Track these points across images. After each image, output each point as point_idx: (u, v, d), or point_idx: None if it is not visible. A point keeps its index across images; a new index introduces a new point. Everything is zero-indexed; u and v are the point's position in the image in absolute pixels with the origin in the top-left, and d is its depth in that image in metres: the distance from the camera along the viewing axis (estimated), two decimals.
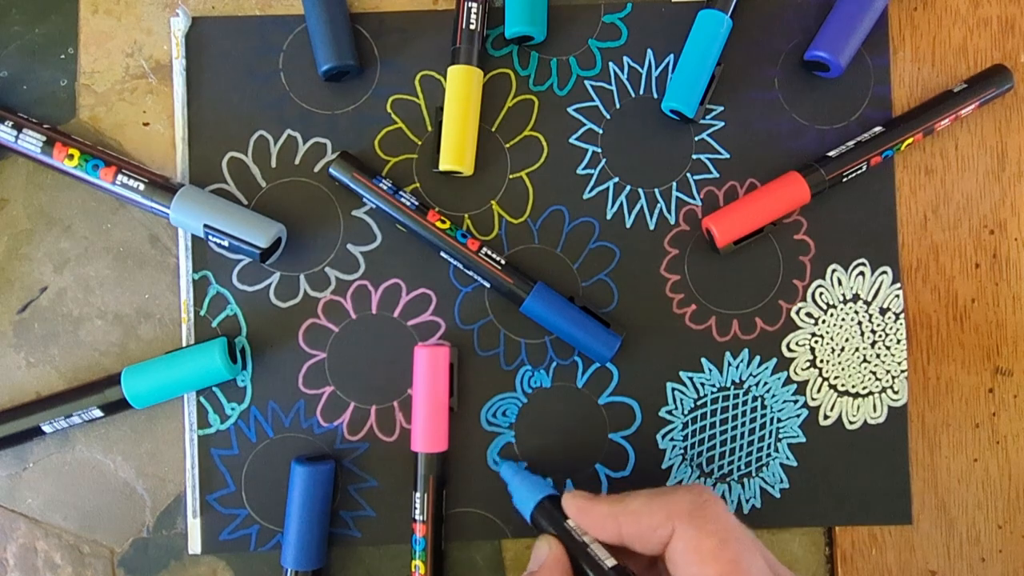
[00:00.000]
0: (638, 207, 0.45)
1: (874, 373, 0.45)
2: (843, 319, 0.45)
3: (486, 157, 0.45)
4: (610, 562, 0.36)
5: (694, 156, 0.46)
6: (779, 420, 0.45)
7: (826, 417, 0.45)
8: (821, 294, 0.45)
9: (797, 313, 0.45)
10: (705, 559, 0.33)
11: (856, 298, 0.45)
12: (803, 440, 0.45)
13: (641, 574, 0.37)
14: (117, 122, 0.45)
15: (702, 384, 0.45)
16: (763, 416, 0.45)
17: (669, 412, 0.45)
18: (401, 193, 0.43)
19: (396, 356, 0.44)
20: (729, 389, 0.45)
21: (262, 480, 0.44)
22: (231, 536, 0.44)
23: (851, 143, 0.44)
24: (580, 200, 0.45)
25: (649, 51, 0.46)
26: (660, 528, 0.35)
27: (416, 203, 0.43)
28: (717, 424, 0.45)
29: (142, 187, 0.42)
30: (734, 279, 0.45)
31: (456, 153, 0.43)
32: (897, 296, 0.45)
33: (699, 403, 0.45)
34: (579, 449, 0.45)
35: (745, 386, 0.45)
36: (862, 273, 0.45)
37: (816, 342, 0.45)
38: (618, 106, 0.46)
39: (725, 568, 0.33)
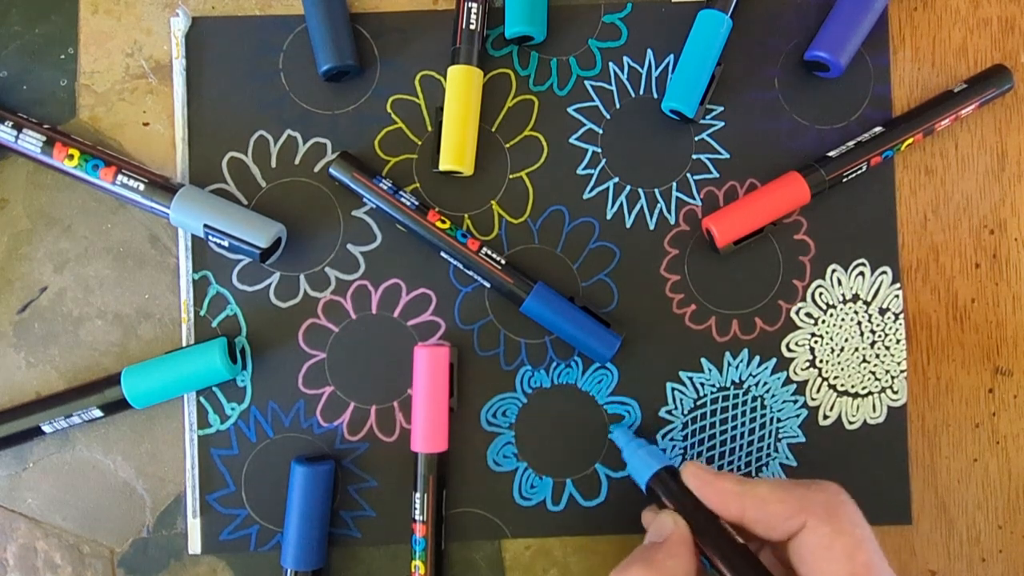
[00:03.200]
0: (638, 207, 0.45)
1: (873, 373, 0.45)
2: (843, 319, 0.45)
3: (486, 157, 0.45)
4: (740, 540, 0.36)
5: (694, 156, 0.46)
6: (779, 420, 0.45)
7: (825, 417, 0.45)
8: (821, 294, 0.45)
9: (797, 313, 0.45)
10: (838, 558, 0.33)
11: (856, 298, 0.45)
12: (803, 440, 0.45)
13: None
14: (117, 122, 0.45)
15: (702, 384, 0.45)
16: (763, 416, 0.45)
17: (669, 412, 0.45)
18: (401, 193, 0.43)
19: (396, 356, 0.44)
20: (729, 389, 0.45)
21: (262, 480, 0.44)
22: (231, 536, 0.44)
23: (851, 143, 0.44)
24: (580, 200, 0.45)
25: (649, 51, 0.46)
26: (790, 519, 0.35)
27: (416, 203, 0.43)
28: (717, 424, 0.45)
29: (142, 187, 0.42)
30: (734, 279, 0.45)
31: (456, 153, 0.43)
32: (897, 296, 0.45)
33: (699, 403, 0.45)
34: (579, 449, 0.45)
35: (745, 386, 0.45)
36: (862, 273, 0.45)
37: (816, 342, 0.45)
38: (618, 106, 0.46)
39: (858, 570, 0.33)
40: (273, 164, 0.45)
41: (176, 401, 0.44)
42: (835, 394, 0.45)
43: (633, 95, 0.46)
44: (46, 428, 0.42)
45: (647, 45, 0.46)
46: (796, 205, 0.44)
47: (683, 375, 0.45)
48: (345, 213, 0.45)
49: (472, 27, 0.44)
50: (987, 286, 0.46)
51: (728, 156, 0.46)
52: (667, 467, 0.40)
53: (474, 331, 0.45)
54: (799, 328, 0.45)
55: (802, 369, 0.45)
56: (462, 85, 0.44)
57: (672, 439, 0.45)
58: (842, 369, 0.45)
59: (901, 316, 0.45)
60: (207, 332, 0.44)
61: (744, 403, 0.45)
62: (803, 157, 0.45)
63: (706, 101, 0.44)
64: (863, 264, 0.45)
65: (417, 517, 0.42)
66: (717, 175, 0.45)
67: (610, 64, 0.46)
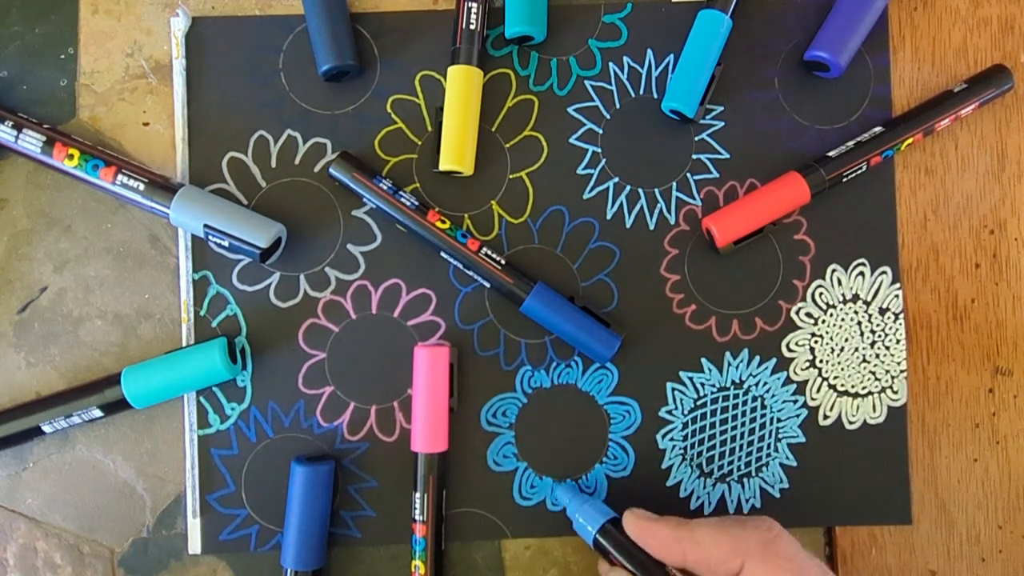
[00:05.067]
0: (638, 207, 0.45)
1: (873, 373, 0.45)
2: (843, 319, 0.45)
3: (486, 157, 0.45)
4: None
5: (694, 156, 0.46)
6: (779, 420, 0.45)
7: (826, 417, 0.45)
8: (821, 294, 0.45)
9: (797, 313, 0.45)
10: None
11: (856, 298, 0.45)
12: (803, 440, 0.45)
13: None
14: (117, 122, 0.45)
15: (702, 384, 0.45)
16: (763, 416, 0.45)
17: (669, 412, 0.45)
18: (401, 193, 0.43)
19: (396, 356, 0.44)
20: (729, 389, 0.45)
21: (262, 480, 0.44)
22: (231, 536, 0.44)
23: (851, 143, 0.44)
24: (580, 200, 0.45)
25: (649, 51, 0.46)
26: (728, 562, 0.36)
27: (416, 203, 0.43)
28: (717, 424, 0.45)
29: (142, 187, 0.42)
30: (734, 279, 0.45)
31: (456, 153, 0.43)
32: (897, 296, 0.45)
33: (699, 403, 0.45)
34: (579, 449, 0.45)
35: (745, 386, 0.45)
36: (862, 273, 0.45)
37: (816, 342, 0.45)
38: (618, 106, 0.46)
39: None
40: (273, 164, 0.45)
41: (176, 401, 0.44)
42: (835, 394, 0.45)
43: (633, 95, 0.46)
44: (46, 428, 0.42)
45: (647, 45, 0.46)
46: (796, 205, 0.44)
47: (683, 375, 0.45)
48: (345, 213, 0.45)
49: (472, 27, 0.44)
50: (987, 286, 0.46)
51: (728, 156, 0.46)
52: (612, 519, 0.40)
53: (474, 331, 0.45)
54: (799, 328, 0.45)
55: (802, 369, 0.45)
56: (462, 85, 0.44)
57: (672, 439, 0.45)
58: (842, 369, 0.45)
59: (901, 316, 0.45)
60: (207, 332, 0.44)
61: (744, 403, 0.45)
62: (803, 157, 0.45)
63: (706, 101, 0.44)
64: (863, 264, 0.45)
65: (417, 517, 0.42)
66: (717, 175, 0.45)
67: (610, 64, 0.46)
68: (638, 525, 0.39)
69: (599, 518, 0.41)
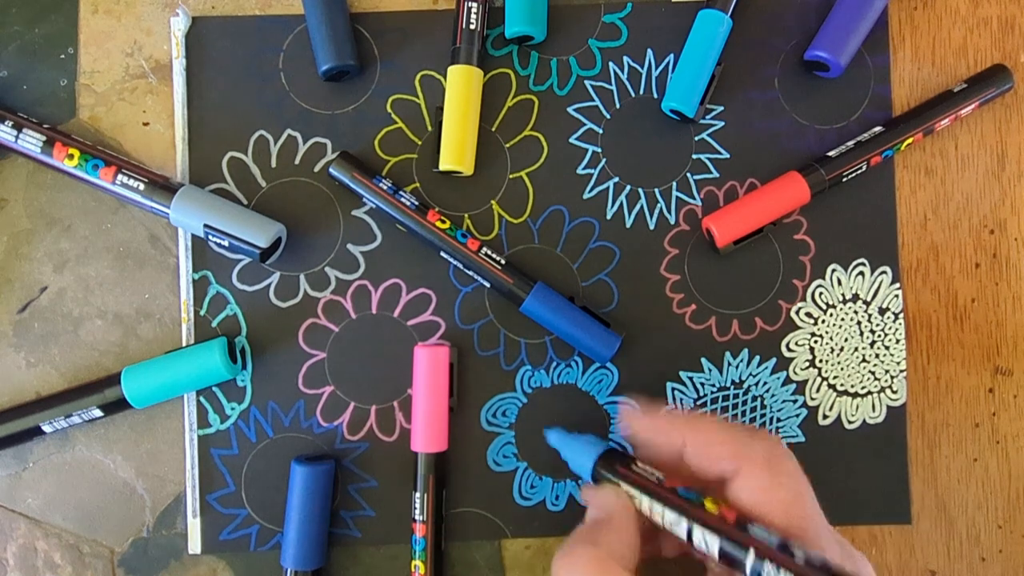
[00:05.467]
0: (638, 207, 0.45)
1: (873, 373, 0.45)
2: (843, 319, 0.45)
3: (486, 157, 0.45)
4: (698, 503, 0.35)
5: (694, 156, 0.46)
6: (778, 420, 0.45)
7: (825, 417, 0.45)
8: (821, 294, 0.45)
9: (797, 313, 0.45)
10: (775, 508, 0.34)
11: (856, 298, 0.45)
12: (802, 440, 0.45)
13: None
14: (117, 122, 0.45)
15: (702, 384, 0.45)
16: (763, 416, 0.45)
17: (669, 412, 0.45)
18: (401, 193, 0.43)
19: (396, 356, 0.44)
20: (729, 389, 0.45)
21: (262, 480, 0.44)
22: (231, 536, 0.44)
23: (851, 143, 0.44)
24: (580, 200, 0.45)
25: (649, 51, 0.46)
26: (726, 460, 0.35)
27: (416, 203, 0.43)
28: None
29: (142, 187, 0.42)
30: (734, 279, 0.45)
31: (456, 153, 0.43)
32: (896, 296, 0.45)
33: (699, 403, 0.45)
34: None
35: (745, 386, 0.45)
36: (862, 273, 0.45)
37: (815, 342, 0.45)
38: (618, 106, 0.46)
39: (795, 522, 0.33)
40: (273, 164, 0.45)
41: (176, 401, 0.44)
42: (835, 394, 0.45)
43: (633, 95, 0.46)
44: (46, 428, 0.42)
45: (647, 45, 0.46)
46: (796, 205, 0.44)
47: (683, 375, 0.45)
48: (345, 213, 0.45)
49: (472, 27, 0.44)
50: (987, 286, 0.46)
51: (728, 156, 0.46)
52: (610, 449, 0.39)
53: (474, 331, 0.45)
54: (799, 328, 0.45)
55: (802, 369, 0.45)
56: (462, 85, 0.44)
57: None
58: (842, 369, 0.45)
59: (901, 316, 0.45)
60: (207, 332, 0.44)
61: (744, 403, 0.45)
62: (803, 157, 0.45)
63: (706, 101, 0.44)
64: (863, 264, 0.45)
65: (417, 517, 0.42)
66: (717, 175, 0.45)
67: (610, 64, 0.46)
68: (629, 416, 0.38)
69: (597, 447, 0.39)
